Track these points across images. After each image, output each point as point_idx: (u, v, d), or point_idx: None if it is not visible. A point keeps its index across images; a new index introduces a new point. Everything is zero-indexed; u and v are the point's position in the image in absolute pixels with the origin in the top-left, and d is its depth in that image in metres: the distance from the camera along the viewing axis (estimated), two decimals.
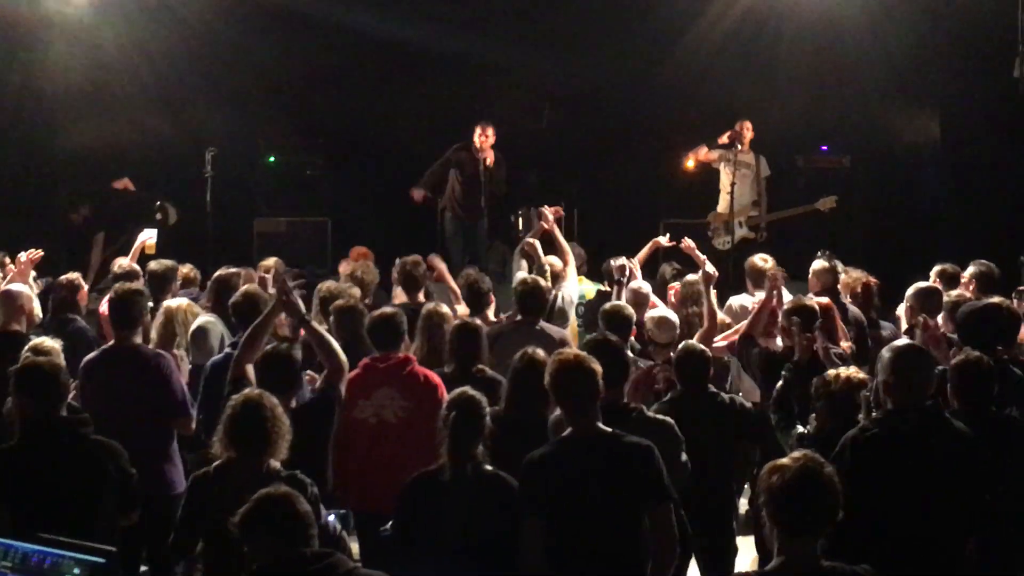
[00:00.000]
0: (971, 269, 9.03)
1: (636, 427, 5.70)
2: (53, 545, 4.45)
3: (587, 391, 5.44)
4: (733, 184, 13.08)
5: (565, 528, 5.27)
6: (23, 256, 9.19)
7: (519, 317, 8.35)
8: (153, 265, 9.66)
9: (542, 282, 8.62)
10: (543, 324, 8.33)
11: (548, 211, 10.65)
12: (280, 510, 4.68)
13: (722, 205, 13.44)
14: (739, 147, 13.20)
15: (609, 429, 5.42)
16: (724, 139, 13.36)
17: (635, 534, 5.30)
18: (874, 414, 5.60)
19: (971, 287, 8.77)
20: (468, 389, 5.68)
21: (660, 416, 6.20)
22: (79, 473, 5.76)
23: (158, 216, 13.92)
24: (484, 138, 13.25)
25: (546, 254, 10.14)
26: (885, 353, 5.67)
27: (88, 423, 5.94)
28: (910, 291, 8.44)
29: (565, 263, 10.05)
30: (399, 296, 9.52)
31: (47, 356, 6.61)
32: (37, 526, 5.15)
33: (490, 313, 9.01)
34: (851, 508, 4.44)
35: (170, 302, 8.37)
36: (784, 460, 4.38)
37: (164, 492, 6.91)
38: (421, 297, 9.16)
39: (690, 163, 14.06)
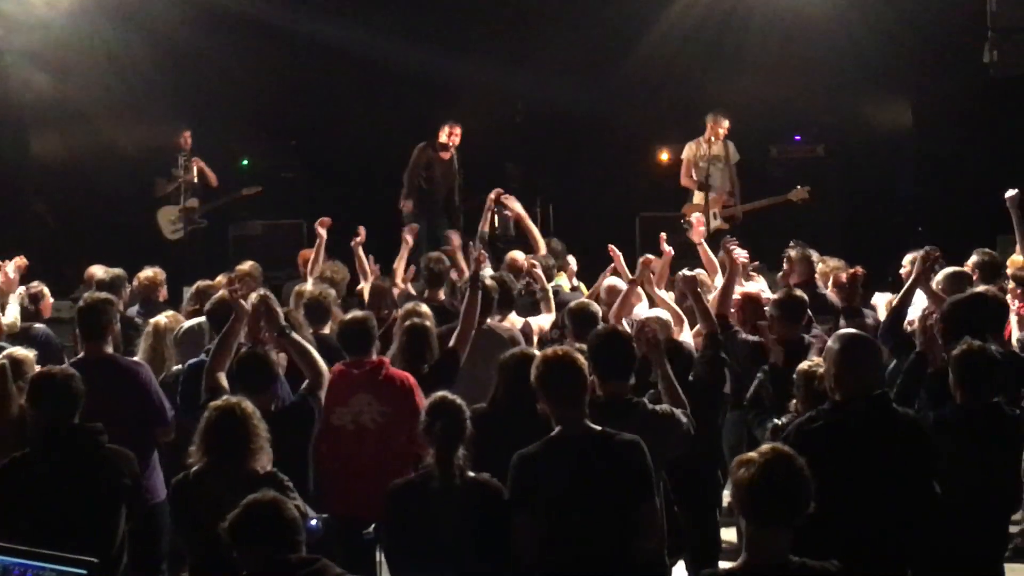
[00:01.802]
0: (974, 258, 9.00)
1: (641, 420, 5.70)
2: (33, 557, 4.41)
3: (574, 388, 5.39)
4: (707, 176, 13.09)
5: (556, 526, 5.25)
6: (10, 267, 9.09)
7: None
8: (100, 273, 9.59)
9: (487, 281, 8.59)
10: (490, 323, 8.24)
11: (492, 196, 10.84)
12: (268, 517, 4.71)
13: (697, 197, 13.44)
14: (712, 140, 13.20)
15: (598, 428, 5.37)
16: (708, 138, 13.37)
17: (625, 530, 5.28)
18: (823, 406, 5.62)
19: (975, 276, 8.74)
20: (447, 394, 5.65)
21: (664, 408, 6.17)
22: (96, 482, 5.77)
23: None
24: (453, 137, 13.26)
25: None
26: (832, 344, 5.68)
27: (103, 432, 5.92)
28: (939, 276, 8.34)
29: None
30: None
31: (22, 365, 6.62)
32: (54, 535, 5.18)
33: (440, 294, 9.22)
34: None
35: (158, 318, 8.18)
36: (752, 453, 4.34)
37: (147, 501, 6.79)
38: (441, 295, 9.24)
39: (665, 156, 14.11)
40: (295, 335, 6.80)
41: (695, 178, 13.24)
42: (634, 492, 5.26)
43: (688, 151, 13.41)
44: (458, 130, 13.31)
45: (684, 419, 6.07)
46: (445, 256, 9.81)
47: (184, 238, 14.01)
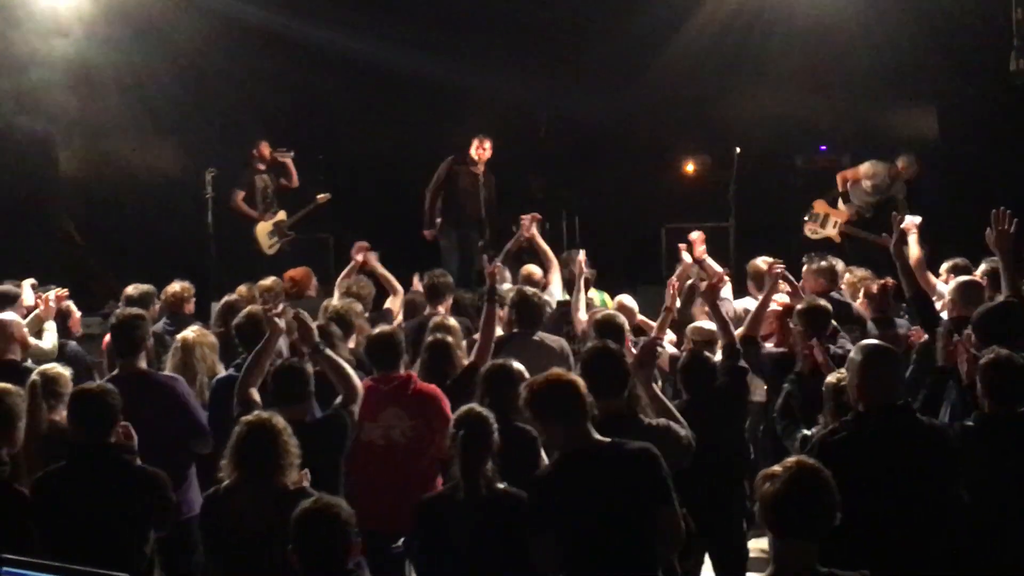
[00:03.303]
0: (984, 266, 8.98)
1: (637, 435, 5.68)
2: (68, 573, 4.44)
3: (571, 407, 5.39)
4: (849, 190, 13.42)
5: (578, 541, 5.26)
6: (51, 296, 9.13)
7: (515, 329, 8.33)
8: (129, 290, 9.66)
9: (537, 292, 8.61)
10: (541, 334, 8.29)
11: (526, 219, 10.80)
12: (329, 524, 4.81)
13: (839, 203, 13.58)
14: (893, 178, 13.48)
15: (607, 439, 5.39)
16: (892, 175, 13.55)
17: (646, 538, 5.30)
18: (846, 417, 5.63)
19: (984, 283, 8.70)
20: (475, 406, 5.67)
21: (661, 421, 6.19)
22: (124, 500, 5.80)
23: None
24: (482, 151, 13.23)
25: (529, 262, 10.24)
26: (854, 355, 5.70)
27: (133, 450, 5.97)
28: (951, 285, 8.34)
29: (548, 271, 10.17)
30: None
31: (56, 382, 6.66)
32: (79, 550, 5.24)
33: (441, 308, 9.23)
34: None
35: (186, 333, 8.15)
36: (777, 467, 4.33)
37: (183, 515, 6.87)
38: (441, 309, 9.26)
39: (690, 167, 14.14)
40: (328, 351, 6.85)
41: (847, 190, 13.56)
42: (651, 498, 5.27)
43: (868, 169, 13.55)
44: (488, 144, 13.29)
45: (682, 432, 6.09)
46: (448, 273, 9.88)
47: (279, 252, 14.17)
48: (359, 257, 10.47)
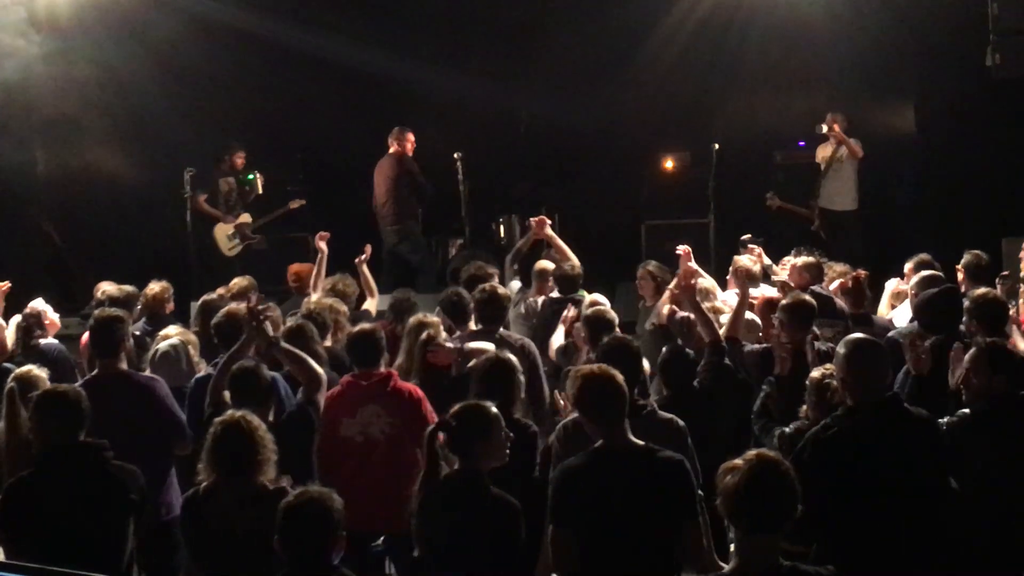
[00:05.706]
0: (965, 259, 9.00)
1: (646, 424, 5.71)
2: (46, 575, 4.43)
3: (616, 403, 5.37)
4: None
5: (597, 540, 5.21)
6: None
7: (479, 326, 8.35)
8: (112, 290, 9.61)
9: (500, 290, 8.62)
10: (503, 331, 8.33)
11: (534, 221, 10.75)
12: (315, 517, 4.82)
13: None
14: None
15: (642, 443, 5.35)
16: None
17: (667, 547, 5.24)
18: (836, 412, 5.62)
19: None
20: (477, 403, 5.62)
21: (666, 414, 6.20)
22: (102, 499, 5.76)
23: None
24: (408, 143, 13.32)
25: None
26: (840, 349, 5.68)
27: (108, 448, 5.91)
28: (914, 280, 8.32)
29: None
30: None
31: (34, 384, 6.62)
32: (60, 553, 5.22)
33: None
34: (819, 507, 4.38)
35: (167, 331, 8.20)
36: (738, 460, 4.35)
37: (163, 516, 6.89)
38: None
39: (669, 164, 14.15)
40: (284, 344, 6.86)
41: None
42: (676, 510, 5.23)
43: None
44: (410, 135, 13.39)
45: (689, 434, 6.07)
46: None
47: (240, 254, 14.07)
48: (323, 246, 10.46)
